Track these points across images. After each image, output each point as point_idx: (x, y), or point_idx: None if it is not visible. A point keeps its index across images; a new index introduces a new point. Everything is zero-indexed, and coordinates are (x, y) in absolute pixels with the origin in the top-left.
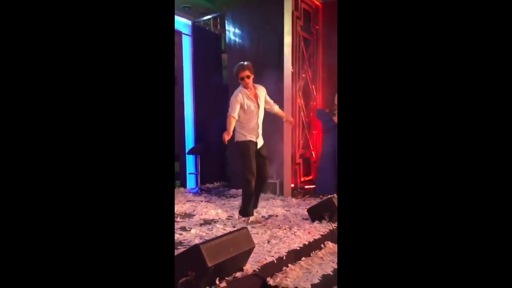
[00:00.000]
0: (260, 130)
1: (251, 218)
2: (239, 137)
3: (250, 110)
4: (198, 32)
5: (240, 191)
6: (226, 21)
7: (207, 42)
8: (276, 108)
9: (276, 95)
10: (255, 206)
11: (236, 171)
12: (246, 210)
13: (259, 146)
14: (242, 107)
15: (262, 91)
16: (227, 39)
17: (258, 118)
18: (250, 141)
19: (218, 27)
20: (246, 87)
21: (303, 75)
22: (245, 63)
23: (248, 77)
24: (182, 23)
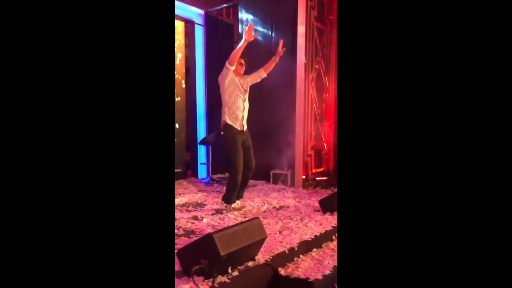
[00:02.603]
0: (245, 114)
1: (233, 205)
2: (227, 120)
3: (237, 95)
4: (211, 22)
5: (249, 182)
6: (239, 11)
7: (220, 32)
8: (263, 72)
9: (289, 85)
10: (241, 196)
11: None
12: (229, 198)
13: (243, 128)
14: (231, 87)
15: (247, 79)
16: (240, 29)
17: (244, 102)
18: (237, 130)
19: (231, 17)
20: (238, 73)
21: (316, 66)
22: None
23: (241, 64)
24: (195, 12)
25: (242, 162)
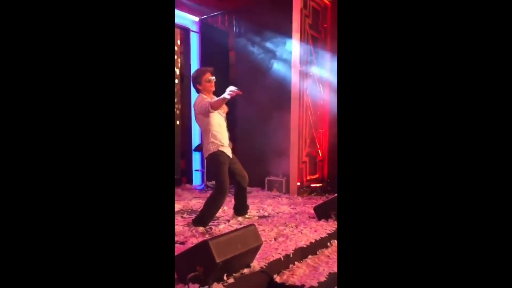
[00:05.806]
0: (227, 137)
1: (200, 228)
2: (213, 148)
3: (218, 117)
4: (205, 29)
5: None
6: (234, 19)
7: (215, 39)
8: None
9: (283, 93)
10: (247, 207)
11: None
12: (203, 221)
13: (230, 155)
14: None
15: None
16: (234, 37)
17: (225, 123)
18: (224, 152)
19: (226, 25)
20: (210, 91)
21: (311, 74)
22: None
23: (212, 80)
24: (189, 20)
25: (227, 188)
